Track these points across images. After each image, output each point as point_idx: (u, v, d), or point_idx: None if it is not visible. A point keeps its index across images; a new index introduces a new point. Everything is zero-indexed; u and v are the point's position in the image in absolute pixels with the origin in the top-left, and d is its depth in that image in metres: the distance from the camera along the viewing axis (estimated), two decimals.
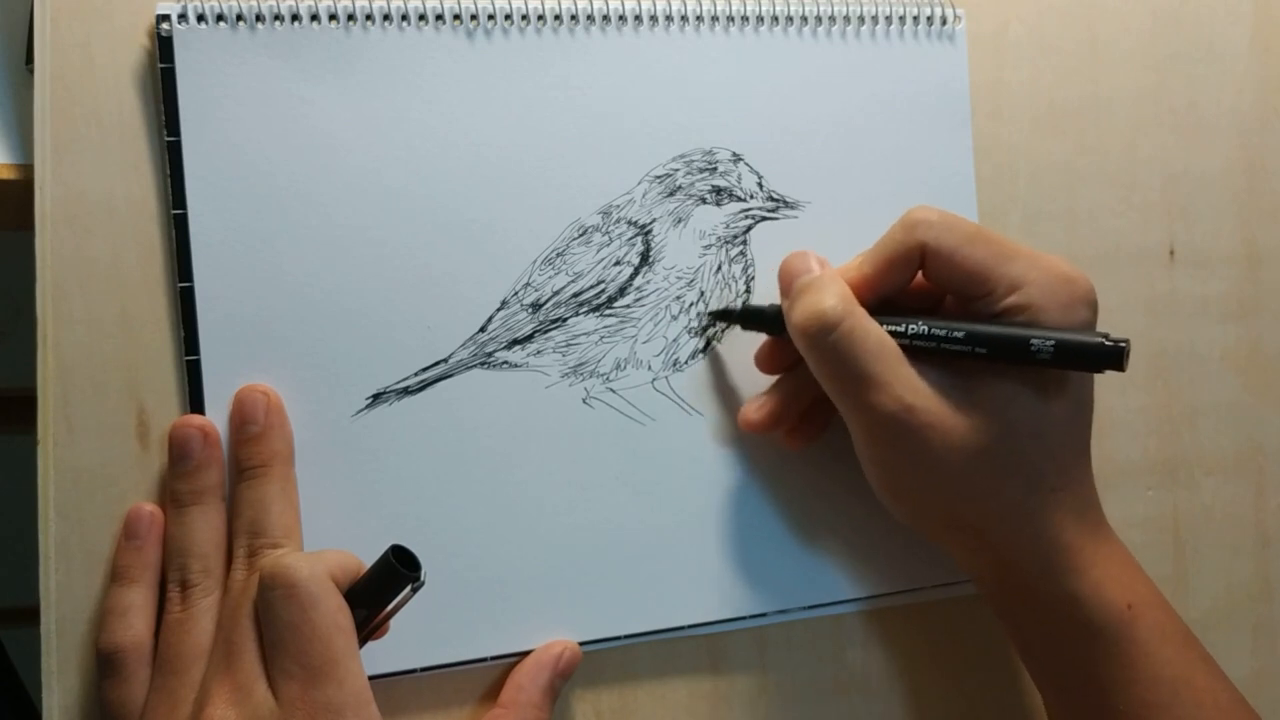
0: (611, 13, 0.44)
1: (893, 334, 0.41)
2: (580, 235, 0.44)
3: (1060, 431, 0.41)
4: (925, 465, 0.40)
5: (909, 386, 0.40)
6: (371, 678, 0.36)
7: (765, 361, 0.45)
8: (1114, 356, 0.39)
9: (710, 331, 0.45)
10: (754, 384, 0.46)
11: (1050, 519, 0.41)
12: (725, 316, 0.45)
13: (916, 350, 0.41)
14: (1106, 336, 0.39)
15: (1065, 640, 0.41)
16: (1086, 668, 0.41)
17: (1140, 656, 0.40)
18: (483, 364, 0.43)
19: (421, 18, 0.42)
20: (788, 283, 0.42)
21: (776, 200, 0.46)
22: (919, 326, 0.41)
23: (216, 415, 0.40)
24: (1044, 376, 0.40)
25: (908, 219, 0.41)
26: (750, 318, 0.44)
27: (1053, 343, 0.39)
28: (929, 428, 0.40)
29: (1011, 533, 0.41)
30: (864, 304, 0.41)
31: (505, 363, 0.43)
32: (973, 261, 0.40)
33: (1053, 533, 0.41)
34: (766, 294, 0.46)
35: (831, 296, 0.41)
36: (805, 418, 0.45)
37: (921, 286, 0.43)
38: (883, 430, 0.40)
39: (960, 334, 0.40)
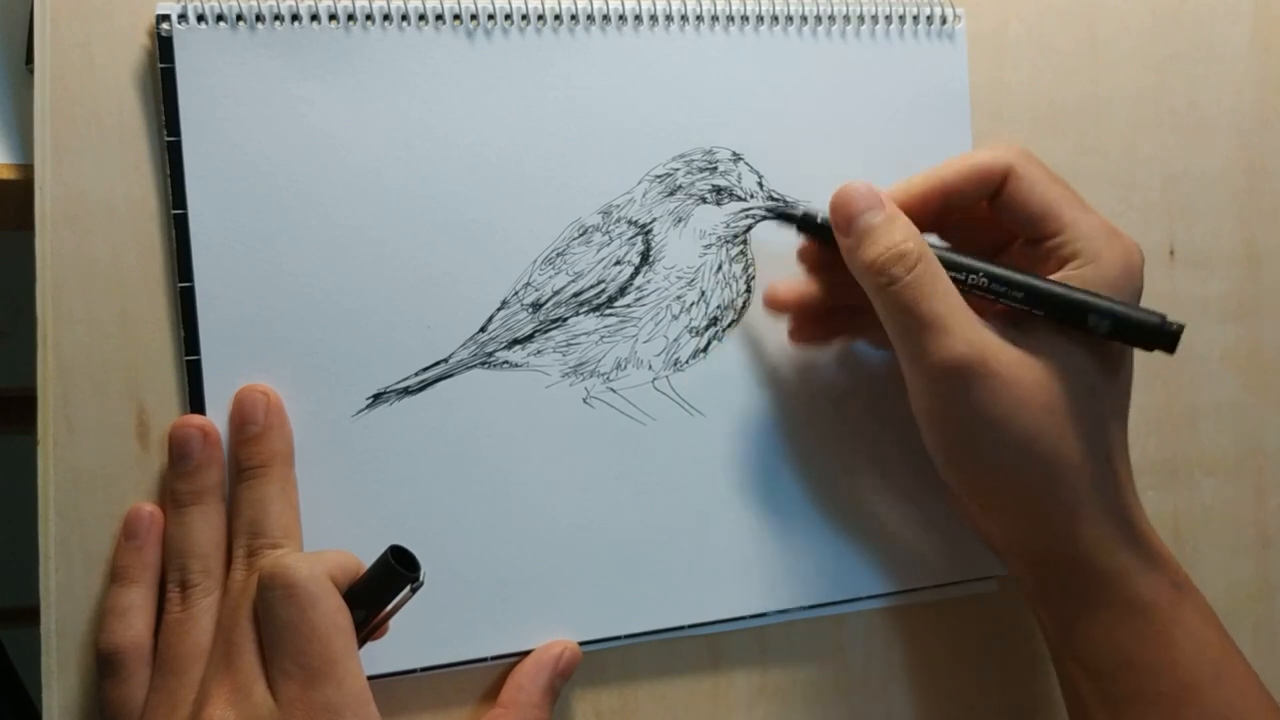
0: (611, 13, 0.44)
1: (954, 278, 0.40)
2: (580, 235, 0.44)
3: (1112, 396, 0.41)
4: (993, 419, 0.39)
5: (976, 335, 0.39)
6: (371, 678, 0.36)
7: (810, 259, 0.45)
8: (1168, 337, 0.39)
9: (711, 331, 0.45)
10: (754, 384, 0.46)
11: (1103, 489, 0.40)
12: (786, 218, 0.44)
13: (980, 295, 0.40)
14: (1164, 317, 0.39)
15: (1110, 619, 0.40)
16: (1129, 647, 0.40)
17: (1184, 637, 0.40)
18: (483, 364, 0.43)
19: (421, 18, 0.42)
20: (848, 216, 0.41)
21: (776, 200, 0.46)
22: (980, 278, 0.40)
23: (216, 415, 0.40)
24: (1097, 343, 0.40)
25: (999, 144, 0.41)
26: (808, 226, 0.43)
27: (1112, 313, 0.39)
28: (996, 377, 0.38)
29: (1073, 494, 0.40)
30: (931, 210, 0.41)
31: (506, 362, 0.43)
32: (1050, 198, 0.40)
33: (1109, 496, 0.40)
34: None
35: (905, 236, 0.40)
36: (818, 319, 0.45)
37: (984, 226, 0.42)
38: (947, 380, 0.39)
39: (1020, 293, 0.40)
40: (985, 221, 0.43)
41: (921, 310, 0.39)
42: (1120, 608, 0.40)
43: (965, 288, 0.40)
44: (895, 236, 0.40)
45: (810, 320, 0.45)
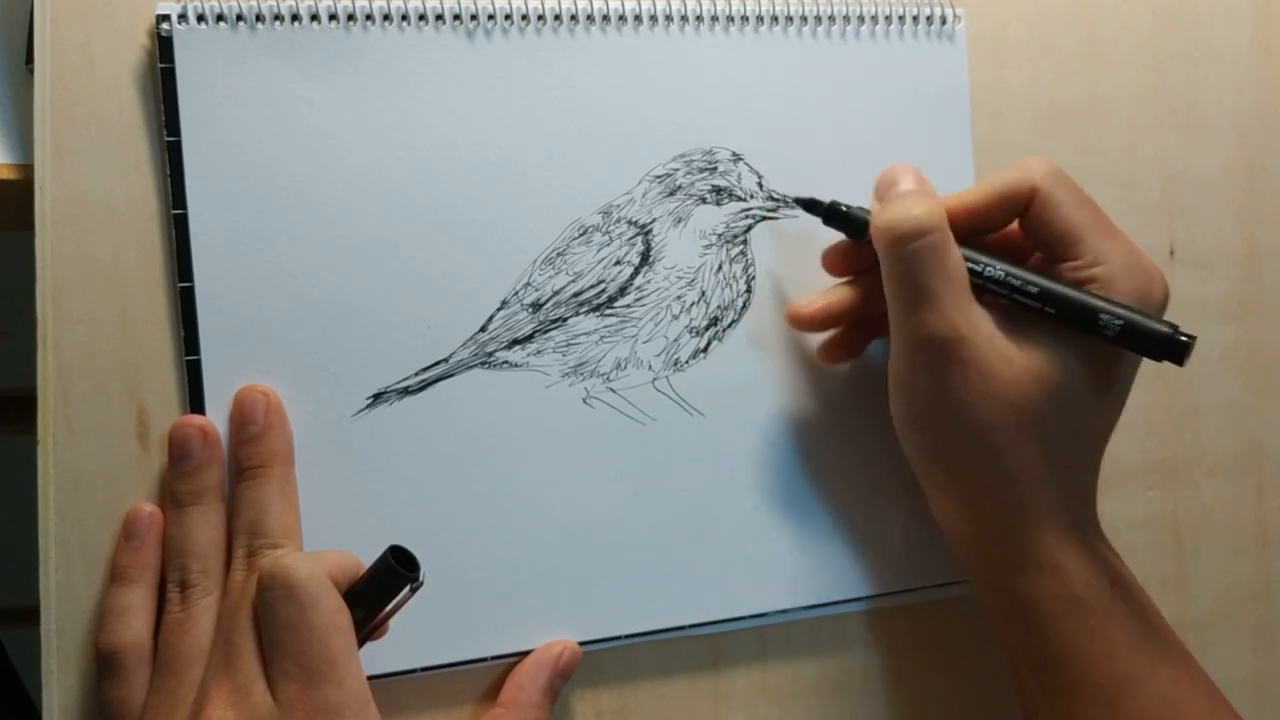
0: (611, 13, 0.44)
1: (970, 269, 0.41)
2: (580, 235, 0.44)
3: (1093, 415, 0.41)
4: (957, 401, 0.40)
5: (967, 317, 0.40)
6: (371, 678, 0.36)
7: (834, 262, 0.45)
8: (1177, 348, 0.39)
9: (711, 331, 0.45)
10: (754, 384, 0.46)
11: (1056, 492, 0.41)
12: (812, 207, 0.44)
13: (987, 293, 0.41)
14: (1177, 329, 0.39)
15: (1046, 611, 0.41)
16: (1067, 639, 0.41)
17: (1122, 632, 0.41)
18: (483, 364, 0.43)
19: (421, 18, 0.42)
20: (885, 186, 0.42)
21: (776, 200, 0.46)
22: (997, 270, 0.41)
23: (216, 415, 0.40)
24: (1096, 357, 0.40)
25: (1024, 163, 0.41)
26: (835, 215, 0.44)
27: (1121, 319, 0.39)
28: (971, 363, 0.39)
29: (1017, 494, 0.41)
30: (956, 232, 0.41)
31: (505, 362, 0.43)
32: (1073, 222, 0.41)
33: (1054, 505, 0.41)
34: (767, 294, 0.46)
35: (928, 208, 0.40)
36: (846, 334, 0.45)
37: (1013, 239, 0.43)
38: (925, 352, 0.40)
39: (1034, 289, 0.40)
40: (1010, 236, 0.43)
41: (920, 279, 0.40)
42: (1057, 601, 0.41)
43: (980, 279, 0.41)
44: (919, 204, 0.41)
45: (841, 336, 0.45)
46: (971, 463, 0.41)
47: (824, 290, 0.45)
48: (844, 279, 0.45)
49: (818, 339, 0.46)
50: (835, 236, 0.45)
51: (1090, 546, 0.41)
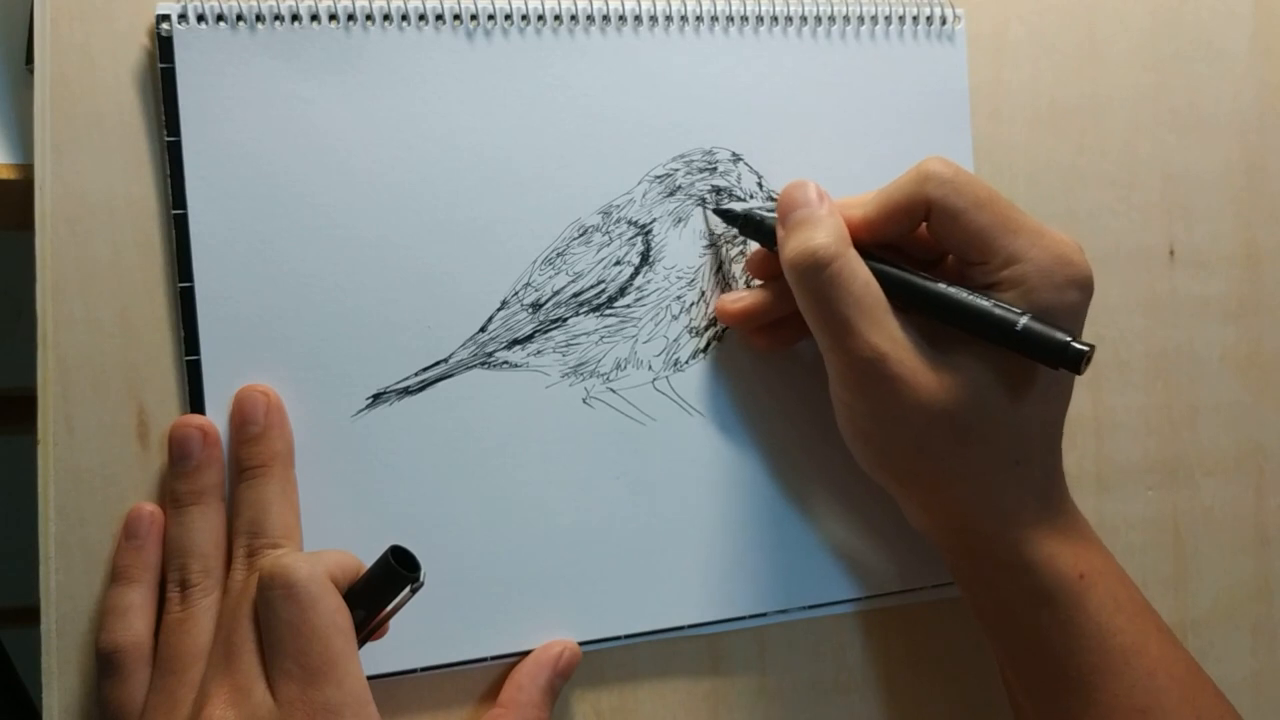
0: (611, 13, 0.44)
1: (878, 273, 0.41)
2: (580, 235, 0.44)
3: (1028, 411, 0.41)
4: (890, 416, 0.41)
5: (886, 335, 0.40)
6: (371, 678, 0.36)
7: (756, 267, 0.45)
8: (1072, 358, 0.39)
9: (711, 331, 0.45)
10: (754, 384, 0.46)
11: (1008, 490, 0.41)
12: (728, 217, 0.44)
13: (902, 300, 0.41)
14: (1075, 337, 0.39)
15: (1017, 606, 0.42)
16: (1037, 634, 0.41)
17: (1090, 625, 0.41)
18: (483, 364, 0.43)
19: (421, 18, 0.42)
20: (786, 212, 0.42)
21: (775, 199, 0.46)
22: (902, 275, 0.41)
23: (216, 415, 0.40)
24: (1014, 363, 0.40)
25: (920, 170, 0.41)
26: (750, 226, 0.44)
27: (1017, 331, 0.39)
28: (898, 379, 0.40)
29: (969, 496, 0.41)
30: (860, 244, 0.41)
31: (505, 363, 0.43)
32: (975, 228, 0.40)
33: (1008, 504, 0.41)
34: None
35: (825, 234, 0.40)
36: (780, 324, 0.45)
37: (927, 238, 0.43)
38: (854, 374, 0.41)
39: (926, 305, 0.40)
40: (925, 238, 0.43)
41: (833, 309, 0.40)
42: (1025, 598, 0.41)
43: (888, 284, 0.41)
44: (818, 232, 0.40)
45: (766, 329, 0.45)
46: (918, 472, 0.42)
47: (748, 290, 0.45)
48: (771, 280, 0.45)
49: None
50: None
51: (1056, 543, 0.42)
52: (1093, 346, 0.39)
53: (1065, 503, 0.43)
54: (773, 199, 0.46)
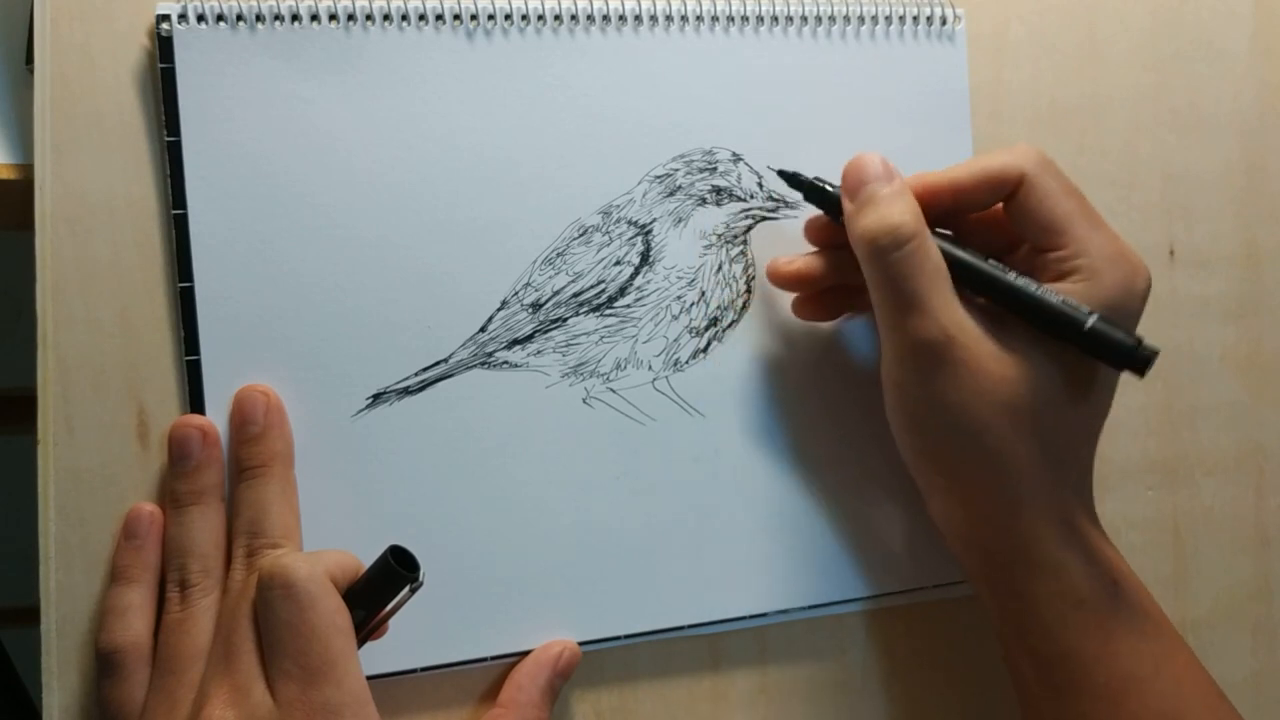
0: (611, 13, 0.44)
1: (949, 255, 0.41)
2: (580, 235, 0.44)
3: (1081, 411, 0.41)
4: (948, 402, 0.40)
5: (954, 318, 0.40)
6: (371, 678, 0.36)
7: (815, 234, 0.45)
8: (1138, 360, 0.39)
9: (711, 331, 0.45)
10: (754, 384, 0.46)
11: (1051, 489, 0.41)
12: (794, 181, 0.44)
13: (969, 287, 0.41)
14: (1141, 341, 0.39)
15: (1048, 609, 0.41)
16: (1068, 639, 0.41)
17: (1123, 631, 0.41)
18: (483, 364, 0.43)
19: (421, 18, 0.42)
20: (856, 184, 0.42)
21: (776, 200, 0.46)
22: (976, 271, 0.41)
23: (216, 415, 0.40)
24: (1075, 360, 0.41)
25: (1017, 148, 0.41)
26: (815, 194, 0.44)
27: (1088, 330, 0.39)
28: (962, 364, 0.40)
29: (1012, 491, 0.41)
30: (941, 208, 0.41)
31: (505, 363, 0.43)
32: (1059, 212, 0.41)
33: (1050, 503, 0.41)
34: (767, 294, 0.46)
35: (904, 212, 0.40)
36: (826, 294, 0.45)
37: (1000, 224, 0.43)
38: (917, 356, 0.40)
39: (1008, 294, 0.40)
40: (999, 221, 0.43)
41: (905, 286, 0.40)
42: (1058, 600, 0.41)
43: (955, 279, 0.41)
44: (895, 210, 0.40)
45: (813, 297, 0.45)
46: (968, 463, 0.41)
47: (803, 255, 0.45)
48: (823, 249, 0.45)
49: (817, 337, 0.46)
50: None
51: (1091, 545, 0.41)
52: (1158, 351, 0.39)
53: (1092, 506, 0.43)
54: (773, 199, 0.46)
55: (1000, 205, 0.42)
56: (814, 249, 0.45)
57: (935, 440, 0.42)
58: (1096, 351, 0.40)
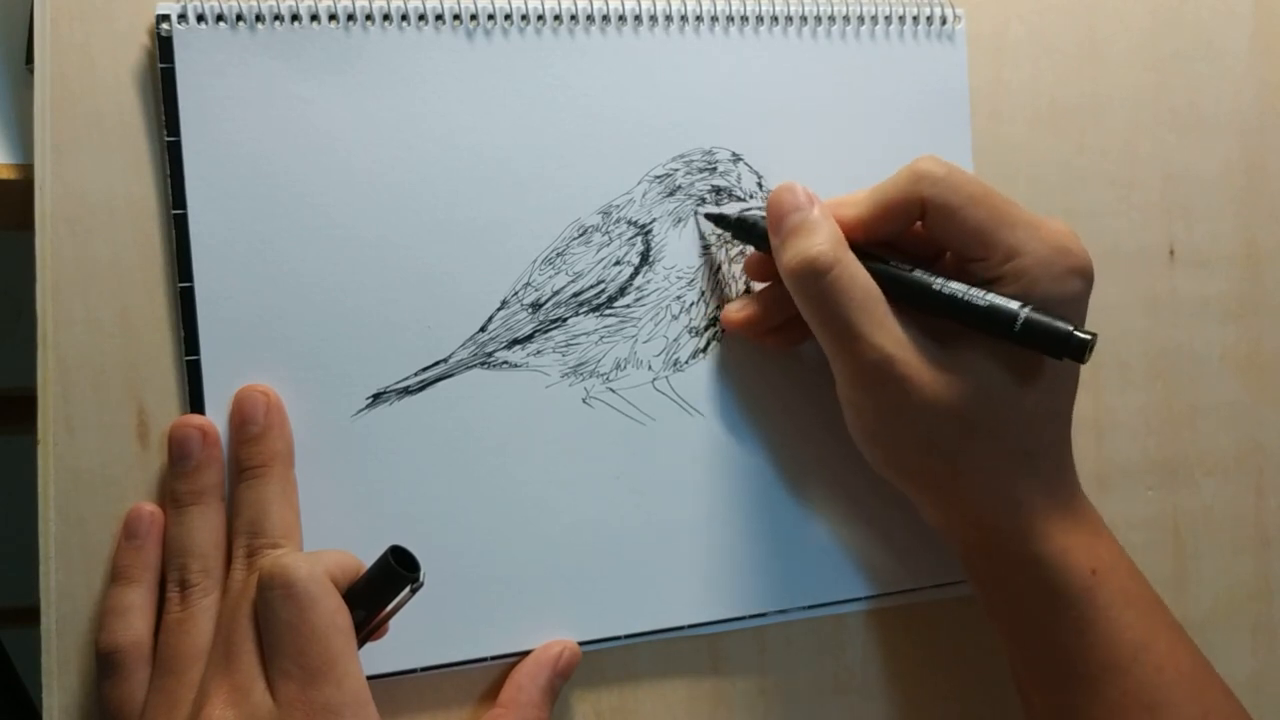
0: (611, 13, 0.44)
1: (877, 273, 0.41)
2: (580, 235, 0.44)
3: (1035, 402, 0.41)
4: (899, 415, 0.41)
5: (890, 336, 0.40)
6: (371, 678, 0.36)
7: (754, 270, 0.45)
8: (1076, 347, 0.39)
9: (711, 331, 0.45)
10: (754, 384, 0.46)
11: (1018, 484, 0.41)
12: (721, 221, 0.45)
13: (901, 300, 0.41)
14: (1077, 326, 0.39)
15: (1028, 601, 0.42)
16: (1048, 629, 0.41)
17: (1101, 620, 0.41)
18: (483, 364, 0.43)
19: (421, 18, 0.42)
20: (778, 218, 0.42)
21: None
22: (902, 274, 0.41)
23: (216, 415, 0.40)
24: (1018, 356, 0.40)
25: (913, 169, 0.41)
26: (743, 230, 0.44)
27: (1019, 322, 0.39)
28: (906, 379, 0.40)
29: (979, 491, 0.41)
30: (855, 245, 0.41)
31: (505, 362, 0.43)
32: (972, 224, 0.40)
33: (1020, 496, 0.41)
34: None
35: (823, 241, 0.40)
36: (785, 325, 0.45)
37: (924, 235, 0.43)
38: (862, 376, 0.41)
39: (927, 302, 0.40)
40: (922, 235, 0.43)
41: (836, 314, 0.40)
42: (1036, 592, 0.41)
43: (889, 282, 0.41)
44: (814, 240, 0.40)
45: (773, 331, 0.45)
46: (931, 470, 0.42)
47: (750, 295, 0.45)
48: (770, 282, 0.45)
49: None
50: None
51: (1068, 534, 0.42)
52: (1095, 335, 0.39)
53: (1076, 495, 0.43)
54: None
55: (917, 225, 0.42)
56: (760, 284, 0.45)
57: (894, 451, 0.42)
58: (1034, 345, 0.39)
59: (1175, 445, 0.52)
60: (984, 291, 0.40)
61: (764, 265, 0.44)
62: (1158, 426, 0.52)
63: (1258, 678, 0.53)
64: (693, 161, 0.45)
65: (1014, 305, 0.39)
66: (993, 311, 0.40)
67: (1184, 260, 0.52)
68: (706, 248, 0.45)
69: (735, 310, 0.44)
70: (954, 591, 0.48)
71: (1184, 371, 0.52)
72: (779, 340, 0.45)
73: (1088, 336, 0.39)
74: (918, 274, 0.41)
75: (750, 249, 0.45)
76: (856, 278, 0.40)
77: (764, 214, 0.43)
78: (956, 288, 0.40)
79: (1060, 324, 0.39)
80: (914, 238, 0.43)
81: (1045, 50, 0.50)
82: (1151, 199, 0.52)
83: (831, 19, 0.46)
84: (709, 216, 0.45)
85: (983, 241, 0.40)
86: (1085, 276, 0.41)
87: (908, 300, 0.41)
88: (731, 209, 0.45)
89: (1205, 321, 0.52)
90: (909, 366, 0.40)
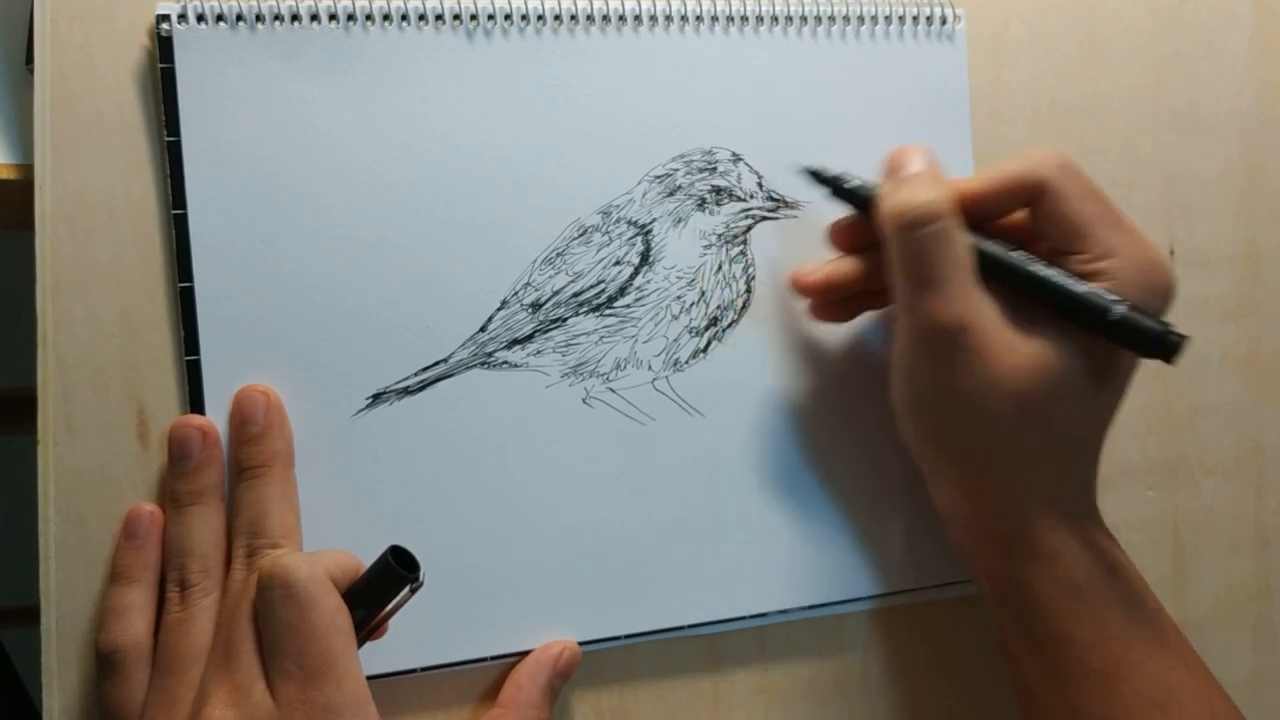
0: (611, 13, 0.44)
1: (979, 247, 0.41)
2: (580, 235, 0.44)
3: (1093, 407, 0.41)
4: (959, 388, 0.40)
5: (973, 304, 0.40)
6: (371, 678, 0.36)
7: (840, 237, 0.45)
8: (1168, 345, 0.39)
9: (711, 331, 0.45)
10: (754, 384, 0.46)
11: (1056, 478, 0.41)
12: (819, 178, 0.44)
13: (992, 280, 0.41)
14: (1169, 326, 0.39)
15: (1045, 595, 0.41)
16: (1064, 625, 0.41)
17: (1116, 618, 0.41)
18: (483, 364, 0.43)
19: (421, 18, 0.42)
20: (895, 167, 0.42)
21: (776, 200, 0.46)
22: (1002, 259, 0.41)
23: (216, 415, 0.40)
24: (1096, 350, 0.41)
25: (1035, 154, 0.41)
26: (842, 190, 0.44)
27: (1116, 316, 0.39)
28: (975, 351, 0.40)
29: (1017, 479, 0.41)
30: (964, 215, 0.41)
31: (505, 363, 0.43)
32: (1081, 216, 0.41)
33: (1054, 491, 0.41)
34: (766, 294, 0.46)
35: (935, 192, 0.41)
36: (841, 301, 0.45)
37: (1021, 226, 0.43)
38: (931, 339, 0.40)
39: (1035, 281, 0.40)
40: (1019, 222, 0.43)
41: (927, 266, 0.40)
42: (1053, 586, 0.41)
43: (985, 266, 0.41)
44: (928, 189, 0.41)
45: (833, 302, 0.45)
46: (973, 450, 0.41)
47: (828, 260, 0.45)
48: (850, 253, 0.45)
49: (817, 337, 0.46)
50: (824, 243, 0.45)
51: (1088, 535, 0.42)
52: (1186, 337, 0.39)
53: (1094, 499, 0.43)
54: (773, 199, 0.46)
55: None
56: (836, 254, 0.45)
57: (939, 425, 0.42)
58: (1124, 339, 0.39)
59: (1175, 445, 0.52)
60: (1082, 281, 0.40)
61: (851, 233, 0.44)
62: (1158, 426, 0.52)
63: (1257, 678, 0.53)
64: (693, 161, 0.45)
65: (1113, 297, 0.39)
66: (1090, 297, 0.40)
67: (1184, 260, 0.52)
68: (706, 248, 0.45)
69: (808, 272, 0.44)
70: (954, 591, 0.48)
71: (1184, 371, 0.52)
72: (832, 313, 0.45)
73: (1183, 336, 0.39)
74: (1017, 254, 0.41)
75: (754, 246, 0.45)
76: (957, 239, 0.40)
77: (867, 182, 0.43)
78: (1055, 272, 0.40)
79: (1155, 323, 0.39)
80: (1011, 229, 0.43)
81: (1045, 50, 0.50)
82: (1151, 199, 0.52)
83: (831, 19, 0.46)
84: (808, 171, 0.44)
85: (1087, 235, 0.41)
86: (1168, 298, 0.41)
87: (1003, 279, 0.41)
88: (832, 168, 0.44)
89: (1205, 321, 0.52)
90: (983, 338, 0.40)
